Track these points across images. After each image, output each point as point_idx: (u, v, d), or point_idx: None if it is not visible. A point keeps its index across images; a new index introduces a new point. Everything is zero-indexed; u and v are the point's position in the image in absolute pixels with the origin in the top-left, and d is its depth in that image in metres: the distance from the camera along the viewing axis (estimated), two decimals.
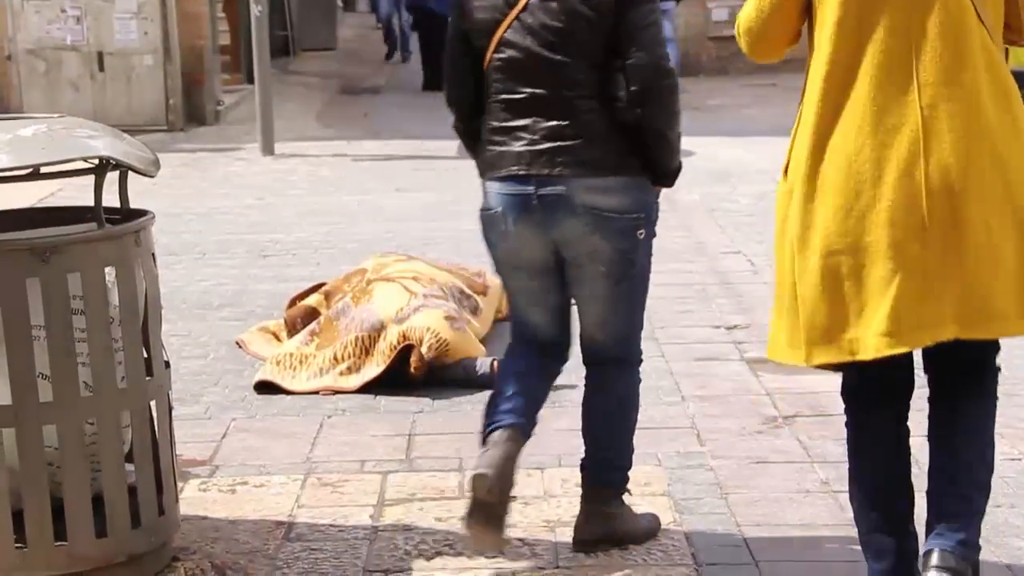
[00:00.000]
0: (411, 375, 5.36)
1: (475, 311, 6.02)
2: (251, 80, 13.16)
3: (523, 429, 3.81)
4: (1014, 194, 3.10)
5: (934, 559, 3.18)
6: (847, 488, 3.85)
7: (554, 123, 3.65)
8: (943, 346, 3.15)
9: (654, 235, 3.78)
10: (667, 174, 3.74)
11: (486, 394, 5.24)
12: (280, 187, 10.29)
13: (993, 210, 3.09)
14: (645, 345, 5.77)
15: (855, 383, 3.33)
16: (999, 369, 3.42)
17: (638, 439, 4.69)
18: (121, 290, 3.57)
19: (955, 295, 3.10)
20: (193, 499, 4.31)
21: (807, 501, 4.20)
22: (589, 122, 3.65)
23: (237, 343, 6.06)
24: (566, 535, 3.96)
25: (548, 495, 4.28)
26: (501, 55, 3.69)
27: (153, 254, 3.71)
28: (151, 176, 3.70)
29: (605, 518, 3.86)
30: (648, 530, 3.96)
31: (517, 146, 3.68)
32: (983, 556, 3.78)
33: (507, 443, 3.74)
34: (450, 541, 3.96)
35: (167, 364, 3.79)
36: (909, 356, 3.24)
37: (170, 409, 3.80)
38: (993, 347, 3.35)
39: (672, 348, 5.84)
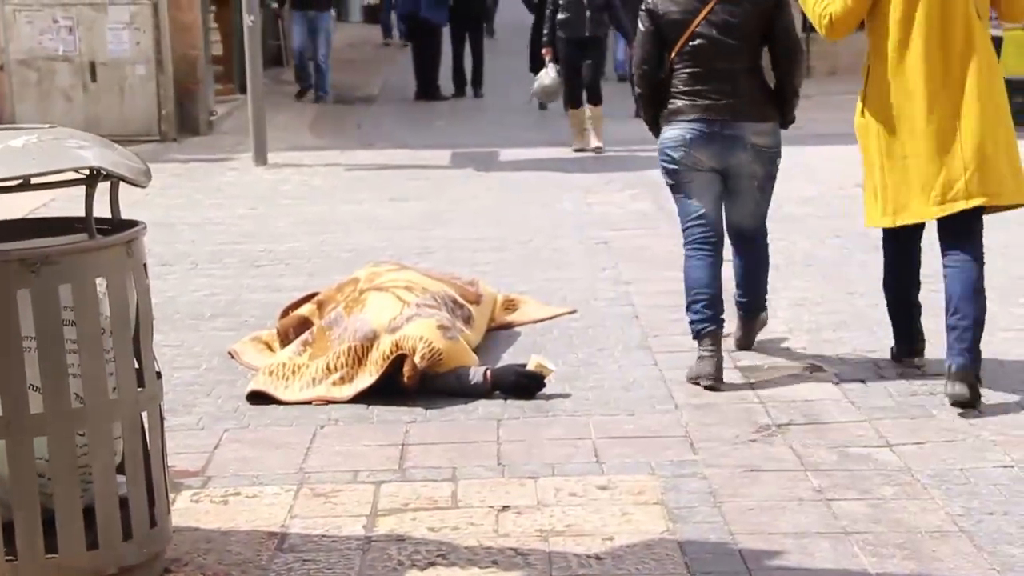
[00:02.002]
0: (404, 384, 5.35)
1: (468, 320, 6.01)
2: (244, 90, 13.15)
3: (719, 327, 5.52)
4: (1004, 121, 5.09)
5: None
6: (841, 495, 4.12)
7: (730, 87, 5.44)
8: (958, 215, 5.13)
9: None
10: (790, 121, 5.65)
11: (480, 404, 5.29)
12: (273, 197, 10.28)
13: (997, 132, 5.06)
14: (638, 354, 5.84)
15: (900, 231, 5.32)
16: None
17: (630, 447, 4.75)
18: (112, 301, 3.56)
19: (975, 183, 5.05)
20: (185, 510, 4.29)
21: (800, 509, 4.19)
22: (751, 86, 5.50)
23: (230, 353, 6.05)
24: (559, 544, 3.96)
25: (541, 504, 4.27)
26: (693, 42, 5.44)
27: (145, 264, 3.70)
28: (142, 186, 3.70)
29: (754, 332, 5.92)
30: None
31: (704, 102, 5.46)
32: (977, 563, 3.79)
33: (714, 350, 5.45)
34: (443, 551, 3.95)
35: (159, 375, 3.77)
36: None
37: (162, 420, 3.79)
38: (978, 215, 5.18)
39: (665, 356, 5.84)
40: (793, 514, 4.16)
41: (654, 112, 5.62)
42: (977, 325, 5.12)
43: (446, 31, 16.62)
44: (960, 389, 5.03)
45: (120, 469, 3.66)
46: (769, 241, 5.86)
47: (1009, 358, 5.74)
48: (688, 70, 5.48)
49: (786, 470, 4.53)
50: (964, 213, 5.10)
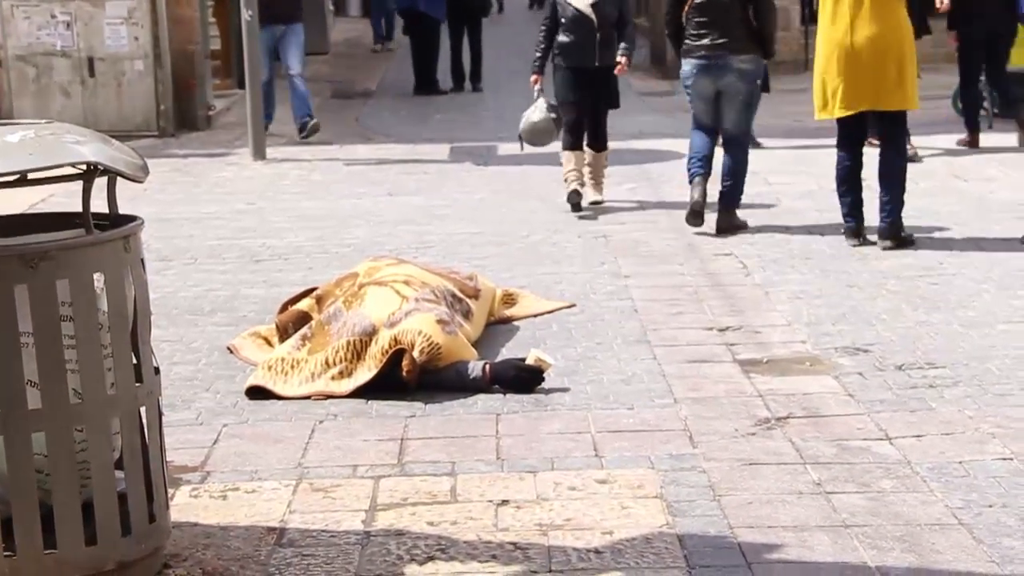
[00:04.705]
0: (403, 379, 5.34)
1: (467, 315, 6.01)
2: (242, 85, 13.11)
3: (707, 174, 8.28)
4: (891, 47, 7.51)
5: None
6: (840, 488, 4.28)
7: (721, 30, 8.07)
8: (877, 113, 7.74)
9: (760, 80, 8.50)
10: (771, 55, 8.42)
11: (479, 398, 5.29)
12: (271, 192, 10.27)
13: (888, 55, 7.51)
14: (637, 348, 5.86)
15: (841, 127, 7.81)
16: (907, 130, 8.02)
17: (630, 441, 4.75)
18: (110, 296, 3.56)
19: (875, 90, 7.55)
20: (184, 505, 4.29)
21: (800, 503, 4.19)
22: (740, 31, 8.08)
23: (228, 348, 6.05)
24: (559, 538, 3.96)
25: (541, 498, 4.27)
26: (699, 1, 8.10)
27: (143, 260, 3.69)
28: (139, 181, 3.69)
29: (732, 217, 8.25)
30: (743, 223, 8.30)
31: (705, 42, 8.14)
32: (976, 556, 3.80)
33: (701, 185, 8.21)
34: (442, 546, 3.95)
35: (157, 370, 3.77)
36: (863, 114, 7.72)
37: (160, 415, 3.78)
38: (899, 115, 7.72)
39: (664, 350, 5.84)
40: (792, 507, 4.16)
41: (677, 47, 8.41)
42: (894, 201, 7.65)
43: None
44: (886, 244, 7.62)
45: (119, 464, 3.65)
46: (748, 157, 8.44)
47: (1008, 351, 5.74)
48: (696, 20, 8.13)
49: (785, 463, 4.53)
50: (889, 116, 7.65)
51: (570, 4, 8.97)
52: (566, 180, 9.17)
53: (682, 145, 9.03)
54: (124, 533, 3.61)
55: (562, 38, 9.04)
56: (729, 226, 8.20)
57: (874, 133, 8.09)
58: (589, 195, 9.27)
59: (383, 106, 15.67)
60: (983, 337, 5.95)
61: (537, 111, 9.20)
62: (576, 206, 9.02)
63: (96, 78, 12.90)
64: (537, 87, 9.26)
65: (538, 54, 9.25)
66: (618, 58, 9.02)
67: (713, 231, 8.19)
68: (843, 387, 5.32)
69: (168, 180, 10.59)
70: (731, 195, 8.28)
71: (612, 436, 4.82)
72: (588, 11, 8.94)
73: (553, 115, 9.15)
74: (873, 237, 7.79)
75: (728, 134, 8.33)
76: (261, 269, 7.68)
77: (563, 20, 9.03)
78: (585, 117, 9.21)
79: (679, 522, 4.06)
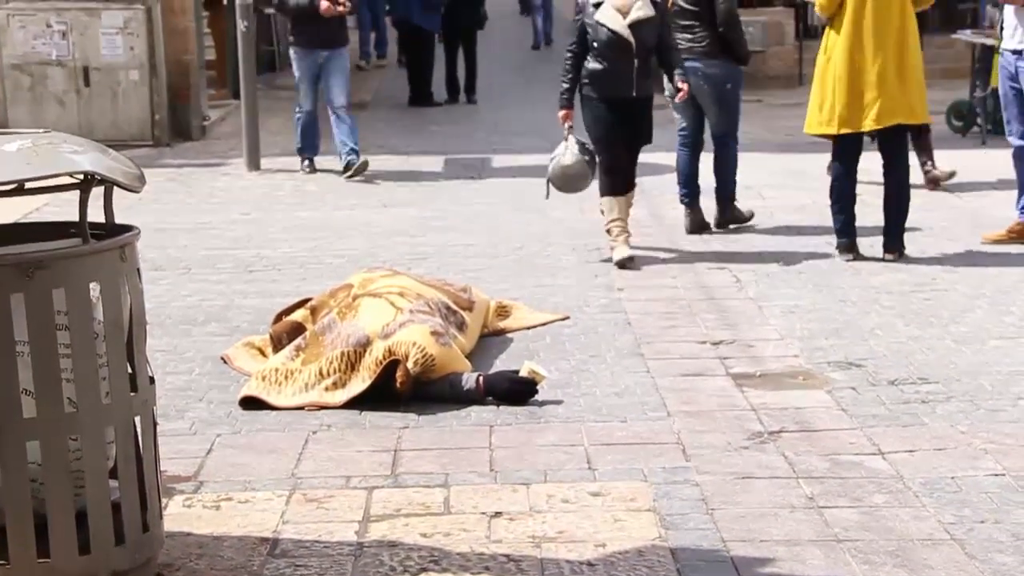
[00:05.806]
0: (397, 390, 5.35)
1: (461, 327, 6.02)
2: (237, 95, 13.11)
3: (696, 200, 8.78)
4: (916, 61, 7.69)
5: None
6: (832, 502, 4.32)
7: (691, 36, 8.51)
8: (888, 128, 7.71)
9: (737, 87, 8.80)
10: (743, 60, 8.79)
11: (472, 410, 5.30)
12: (266, 202, 10.26)
13: (916, 68, 7.66)
14: (630, 360, 5.85)
15: (842, 143, 7.86)
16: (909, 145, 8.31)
17: (623, 454, 4.76)
18: (106, 305, 3.56)
19: (908, 103, 7.63)
20: (177, 515, 4.29)
21: (792, 517, 4.20)
22: (707, 35, 8.50)
23: (222, 358, 6.05)
24: (551, 551, 3.97)
25: (534, 510, 4.28)
26: (674, 8, 8.38)
27: (138, 269, 3.70)
28: (136, 191, 3.70)
29: (731, 210, 8.83)
30: (746, 216, 8.92)
31: (682, 46, 8.36)
32: (968, 571, 3.81)
33: (692, 211, 8.79)
34: (435, 557, 3.95)
35: (152, 379, 3.78)
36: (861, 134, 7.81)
37: (155, 425, 3.79)
38: (905, 129, 7.86)
39: (657, 364, 5.85)
40: (785, 521, 4.16)
41: None
42: (902, 215, 7.85)
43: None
44: (893, 256, 7.78)
45: (112, 474, 3.65)
46: (738, 151, 8.86)
47: (1000, 367, 5.75)
48: (673, 24, 8.37)
49: (778, 477, 4.54)
50: (893, 131, 7.70)
51: (604, 25, 7.76)
52: (609, 232, 7.97)
53: (675, 158, 9.05)
54: (117, 542, 3.62)
55: (593, 65, 7.82)
56: (730, 219, 8.80)
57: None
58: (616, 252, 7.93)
59: (378, 118, 15.67)
60: (976, 353, 5.96)
61: (569, 154, 7.99)
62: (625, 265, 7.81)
63: (91, 88, 12.89)
64: (567, 124, 7.96)
65: (565, 85, 7.92)
66: (678, 83, 7.96)
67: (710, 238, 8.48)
68: (836, 402, 5.33)
69: (163, 190, 10.58)
70: (722, 189, 8.79)
71: (605, 449, 4.83)
72: (626, 33, 7.75)
73: (587, 157, 7.98)
74: (867, 251, 7.81)
75: (713, 134, 8.78)
76: (255, 279, 7.68)
77: (595, 44, 7.81)
78: (623, 156, 7.99)
79: (672, 535, 4.07)
